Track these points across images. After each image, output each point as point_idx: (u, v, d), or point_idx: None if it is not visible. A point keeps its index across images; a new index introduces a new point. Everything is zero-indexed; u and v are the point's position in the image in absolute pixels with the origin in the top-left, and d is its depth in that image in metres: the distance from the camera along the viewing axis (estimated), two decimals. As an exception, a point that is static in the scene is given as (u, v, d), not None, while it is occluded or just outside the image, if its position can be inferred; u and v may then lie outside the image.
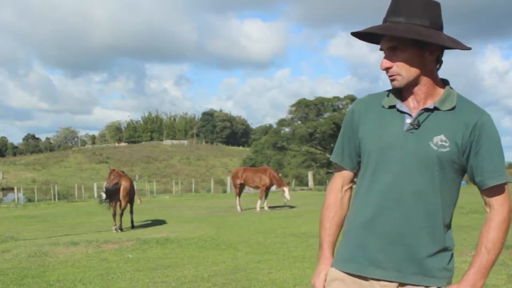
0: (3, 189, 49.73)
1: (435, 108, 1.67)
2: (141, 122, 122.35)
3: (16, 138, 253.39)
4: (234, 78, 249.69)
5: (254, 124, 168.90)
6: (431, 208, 1.66)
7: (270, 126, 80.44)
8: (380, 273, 1.68)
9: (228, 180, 30.81)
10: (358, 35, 1.78)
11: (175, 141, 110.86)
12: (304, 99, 46.37)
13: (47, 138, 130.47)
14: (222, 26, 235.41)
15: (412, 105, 1.71)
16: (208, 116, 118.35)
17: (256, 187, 16.49)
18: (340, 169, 1.87)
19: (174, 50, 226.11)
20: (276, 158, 46.52)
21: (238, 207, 15.88)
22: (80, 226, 12.85)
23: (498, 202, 1.68)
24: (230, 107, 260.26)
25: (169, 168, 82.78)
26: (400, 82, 1.68)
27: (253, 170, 16.63)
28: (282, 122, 47.83)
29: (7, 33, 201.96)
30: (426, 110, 1.68)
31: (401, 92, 1.74)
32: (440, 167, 1.64)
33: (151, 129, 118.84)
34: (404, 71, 1.66)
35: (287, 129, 47.30)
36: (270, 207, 16.19)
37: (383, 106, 1.75)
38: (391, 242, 1.67)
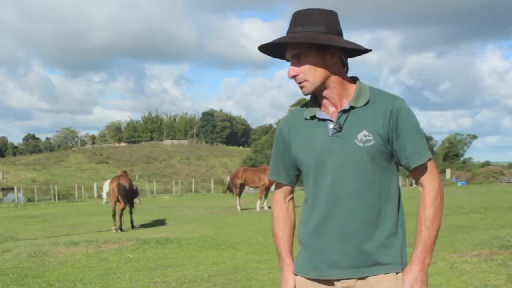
0: (3, 189, 49.70)
1: (351, 107, 1.76)
2: (141, 122, 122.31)
3: (16, 138, 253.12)
4: (234, 78, 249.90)
5: (254, 124, 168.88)
6: (370, 200, 1.74)
7: (270, 126, 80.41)
8: (340, 273, 1.76)
9: (228, 180, 30.83)
10: (266, 50, 1.87)
11: (175, 141, 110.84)
12: (304, 99, 46.21)
13: (47, 138, 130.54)
14: (221, 26, 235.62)
15: (330, 110, 1.81)
16: (208, 116, 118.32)
17: (256, 187, 16.51)
18: (279, 185, 1.98)
19: (173, 50, 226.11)
20: (276, 158, 46.53)
21: (238, 207, 15.90)
22: (80, 226, 12.86)
23: (427, 180, 1.76)
24: (230, 107, 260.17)
25: (169, 168, 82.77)
26: (308, 88, 1.78)
27: (253, 170, 16.65)
28: (282, 122, 47.81)
29: (7, 33, 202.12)
30: (344, 111, 1.76)
31: (317, 100, 1.83)
32: (370, 161, 1.73)
33: (151, 129, 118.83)
34: (310, 76, 1.75)
35: (287, 129, 47.33)
36: (270, 207, 16.19)
37: (305, 119, 1.84)
38: (341, 241, 1.75)
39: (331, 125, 1.77)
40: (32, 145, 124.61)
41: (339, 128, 1.75)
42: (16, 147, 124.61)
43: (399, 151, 1.74)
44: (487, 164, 43.97)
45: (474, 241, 7.26)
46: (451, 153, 42.43)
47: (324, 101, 1.81)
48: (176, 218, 14.15)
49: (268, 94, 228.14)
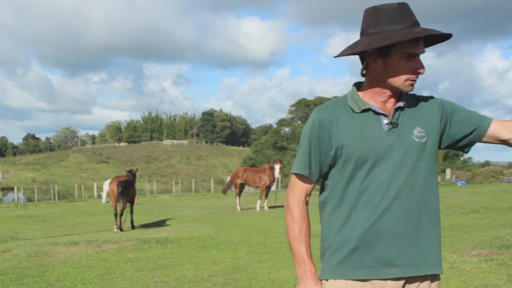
0: (3, 189, 49.72)
1: (404, 106, 1.78)
2: (141, 122, 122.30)
3: (16, 138, 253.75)
4: (233, 78, 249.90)
5: (254, 124, 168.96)
6: (425, 199, 1.74)
7: (270, 126, 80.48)
8: (394, 272, 1.71)
9: (228, 180, 30.81)
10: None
11: (175, 141, 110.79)
12: (304, 99, 46.53)
13: (47, 138, 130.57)
14: (220, 25, 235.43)
15: (383, 106, 1.78)
16: (208, 116, 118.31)
17: (257, 187, 16.53)
18: (305, 181, 1.82)
19: (172, 50, 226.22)
20: (276, 158, 46.57)
21: (238, 207, 15.90)
22: (80, 226, 12.86)
23: (506, 120, 1.82)
24: (230, 107, 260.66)
25: (169, 168, 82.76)
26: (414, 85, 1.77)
27: (254, 170, 16.67)
28: (282, 122, 47.94)
29: (6, 33, 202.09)
30: (398, 108, 1.77)
31: (362, 96, 1.79)
32: (424, 158, 1.75)
33: (151, 129, 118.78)
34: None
35: (287, 129, 47.39)
36: (270, 207, 16.20)
37: (353, 111, 1.77)
38: (398, 239, 1.71)
39: (385, 121, 1.74)
40: (32, 145, 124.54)
41: (396, 124, 1.73)
42: (16, 147, 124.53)
43: (469, 119, 1.79)
44: (487, 164, 43.89)
45: (474, 241, 7.25)
46: (451, 153, 42.40)
47: (380, 97, 1.77)
48: (176, 218, 14.15)
49: (267, 94, 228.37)
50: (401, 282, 1.73)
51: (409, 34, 1.64)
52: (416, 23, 1.70)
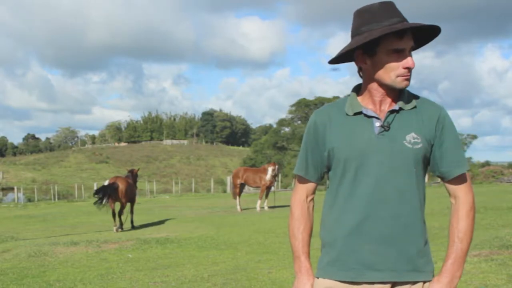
0: (3, 189, 49.73)
1: (400, 109, 1.74)
2: (141, 122, 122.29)
3: (16, 138, 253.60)
4: (233, 78, 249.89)
5: (254, 124, 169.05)
6: (414, 204, 1.72)
7: (270, 126, 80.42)
8: (376, 276, 1.71)
9: (228, 180, 30.82)
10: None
11: (175, 141, 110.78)
12: (304, 99, 46.48)
13: (47, 138, 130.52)
14: (220, 25, 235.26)
15: (375, 109, 1.75)
16: (208, 116, 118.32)
17: (257, 187, 16.52)
18: (304, 181, 1.89)
19: (172, 50, 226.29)
20: (276, 158, 46.55)
21: (238, 207, 15.90)
22: (80, 226, 12.86)
23: (463, 192, 1.76)
24: (230, 107, 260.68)
25: (169, 168, 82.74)
26: (410, 81, 1.72)
27: (254, 170, 16.67)
28: (282, 122, 47.89)
29: (5, 33, 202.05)
30: (392, 111, 1.74)
31: (360, 98, 1.79)
32: (416, 164, 1.71)
33: (151, 129, 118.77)
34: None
35: (287, 129, 47.36)
36: (270, 207, 16.20)
37: (347, 114, 1.77)
38: (382, 243, 1.70)
39: (377, 123, 1.72)
40: (32, 145, 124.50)
41: (387, 127, 1.71)
42: (16, 147, 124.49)
43: (441, 158, 1.74)
44: (487, 164, 43.89)
45: (474, 241, 7.25)
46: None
47: (375, 97, 1.75)
48: (176, 218, 14.15)
49: (267, 94, 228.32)
50: (388, 286, 1.72)
51: (388, 29, 1.65)
52: (402, 20, 1.68)
